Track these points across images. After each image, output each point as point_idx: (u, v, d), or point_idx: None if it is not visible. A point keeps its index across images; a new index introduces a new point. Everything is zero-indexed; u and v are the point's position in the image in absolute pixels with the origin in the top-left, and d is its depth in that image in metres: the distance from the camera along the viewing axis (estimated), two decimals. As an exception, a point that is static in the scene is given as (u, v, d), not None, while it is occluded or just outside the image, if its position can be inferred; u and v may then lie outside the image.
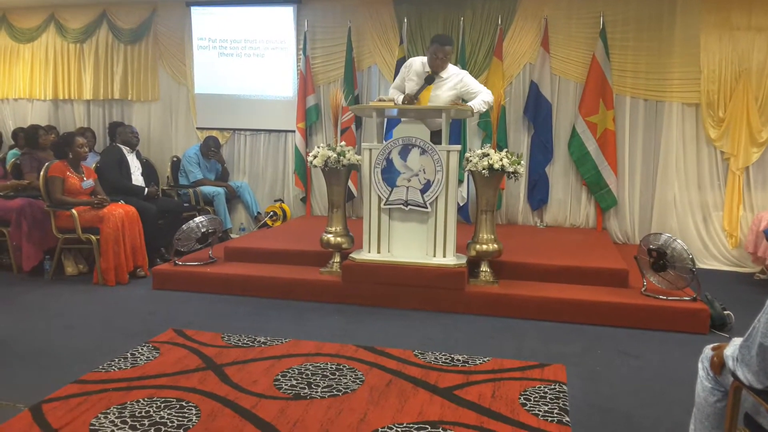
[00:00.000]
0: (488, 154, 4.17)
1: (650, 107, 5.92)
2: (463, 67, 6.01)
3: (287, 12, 6.64)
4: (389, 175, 4.29)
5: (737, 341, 1.78)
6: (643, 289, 4.18)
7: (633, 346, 3.61)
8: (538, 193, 6.16)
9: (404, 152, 4.26)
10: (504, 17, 6.06)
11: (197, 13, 6.87)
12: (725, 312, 3.89)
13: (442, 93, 4.48)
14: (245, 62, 6.86)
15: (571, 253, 4.90)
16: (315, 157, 4.43)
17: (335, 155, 4.37)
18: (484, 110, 4.53)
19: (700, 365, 2.02)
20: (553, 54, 6.00)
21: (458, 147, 4.33)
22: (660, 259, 4.01)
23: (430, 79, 4.46)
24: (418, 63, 4.58)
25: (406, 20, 6.24)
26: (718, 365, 1.89)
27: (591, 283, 4.36)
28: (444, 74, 4.48)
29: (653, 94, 5.87)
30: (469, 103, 4.35)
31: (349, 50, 6.40)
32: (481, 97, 4.41)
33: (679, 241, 4.03)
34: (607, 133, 5.86)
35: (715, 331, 3.85)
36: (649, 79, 5.84)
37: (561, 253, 4.85)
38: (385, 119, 4.89)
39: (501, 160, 4.13)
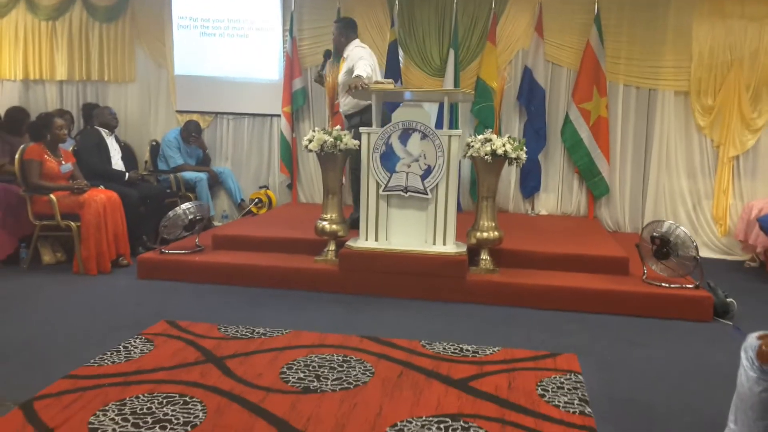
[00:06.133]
0: (490, 140, 4.06)
1: (643, 95, 5.90)
2: (456, 52, 5.93)
3: (273, -9, 6.41)
4: (388, 160, 4.15)
5: (796, 329, 1.71)
6: (644, 276, 4.15)
7: (638, 334, 3.56)
8: (531, 181, 6.10)
9: (404, 137, 4.13)
10: (498, 1, 5.94)
11: (178, -10, 6.58)
12: (728, 299, 3.87)
13: (341, 73, 4.78)
14: (228, 43, 6.60)
15: (568, 240, 4.86)
16: (310, 141, 4.26)
17: (332, 140, 4.21)
18: (369, 73, 4.50)
19: (743, 354, 1.94)
20: (547, 40, 5.91)
21: (459, 132, 4.22)
22: (663, 246, 3.97)
23: (327, 54, 5.06)
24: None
25: (397, 2, 6.07)
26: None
27: (591, 271, 4.31)
28: (346, 53, 4.84)
29: (646, 82, 5.84)
30: (357, 72, 4.44)
31: (338, 32, 6.20)
32: (363, 62, 4.55)
33: (682, 228, 4.00)
34: (600, 121, 5.82)
35: (718, 319, 3.84)
36: (642, 66, 5.80)
37: (558, 241, 4.80)
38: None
39: (504, 145, 4.03)
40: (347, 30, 4.92)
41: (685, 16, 5.64)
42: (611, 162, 5.93)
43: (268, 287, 4.30)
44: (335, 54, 5.06)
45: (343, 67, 4.80)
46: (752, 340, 1.93)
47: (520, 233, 5.02)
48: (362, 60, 4.59)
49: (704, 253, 5.72)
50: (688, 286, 3.98)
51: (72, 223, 4.56)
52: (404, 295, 4.13)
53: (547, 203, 6.22)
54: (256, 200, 6.54)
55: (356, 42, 4.90)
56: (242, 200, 6.63)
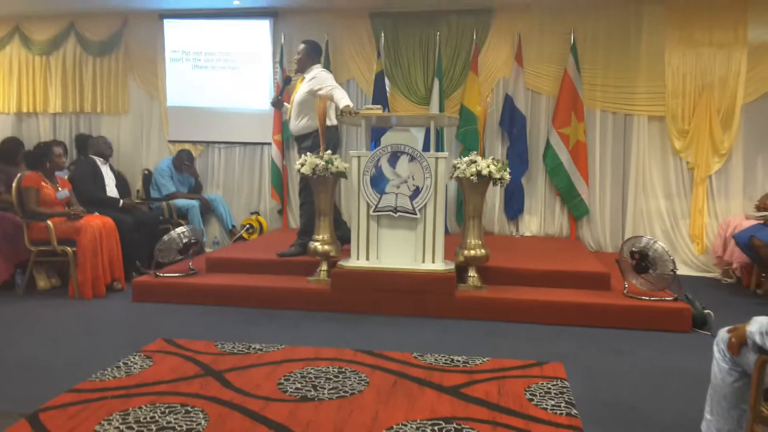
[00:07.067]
0: (476, 161, 4.25)
1: (619, 120, 6.16)
2: (440, 82, 6.17)
3: (263, 25, 6.64)
4: (378, 182, 4.32)
5: (760, 319, 1.87)
6: (625, 291, 4.31)
7: (623, 344, 3.71)
8: (515, 204, 6.29)
9: (393, 159, 4.30)
10: (479, 32, 6.23)
11: (170, 25, 6.80)
12: (705, 311, 4.04)
13: (299, 93, 4.89)
14: (219, 75, 6.80)
15: (552, 258, 5.02)
16: (303, 165, 4.42)
17: (323, 163, 4.37)
18: (346, 101, 4.56)
19: (715, 348, 2.10)
20: (527, 69, 6.19)
21: (446, 154, 4.40)
22: (642, 260, 4.14)
23: (287, 81, 5.38)
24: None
25: (383, 34, 6.33)
26: (737, 345, 1.96)
27: (575, 287, 4.46)
28: (308, 75, 4.92)
29: (622, 108, 6.11)
30: (344, 102, 4.51)
31: (327, 64, 6.42)
32: (339, 91, 4.65)
33: (659, 242, 4.18)
34: (578, 145, 6.05)
35: (697, 330, 3.99)
36: (617, 93, 6.08)
37: (542, 259, 4.96)
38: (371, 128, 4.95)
39: (488, 166, 4.21)
40: (313, 53, 5.02)
41: (657, 44, 5.94)
42: (591, 184, 6.15)
43: (263, 307, 4.39)
44: (295, 71, 5.18)
45: (302, 87, 4.88)
46: (723, 333, 2.09)
47: (505, 253, 5.18)
48: (337, 89, 4.68)
49: (683, 270, 5.92)
50: (667, 298, 4.15)
51: (68, 248, 4.65)
52: (396, 312, 4.25)
53: (530, 225, 6.41)
54: (248, 226, 6.66)
55: (319, 66, 4.97)
56: (233, 226, 6.74)
